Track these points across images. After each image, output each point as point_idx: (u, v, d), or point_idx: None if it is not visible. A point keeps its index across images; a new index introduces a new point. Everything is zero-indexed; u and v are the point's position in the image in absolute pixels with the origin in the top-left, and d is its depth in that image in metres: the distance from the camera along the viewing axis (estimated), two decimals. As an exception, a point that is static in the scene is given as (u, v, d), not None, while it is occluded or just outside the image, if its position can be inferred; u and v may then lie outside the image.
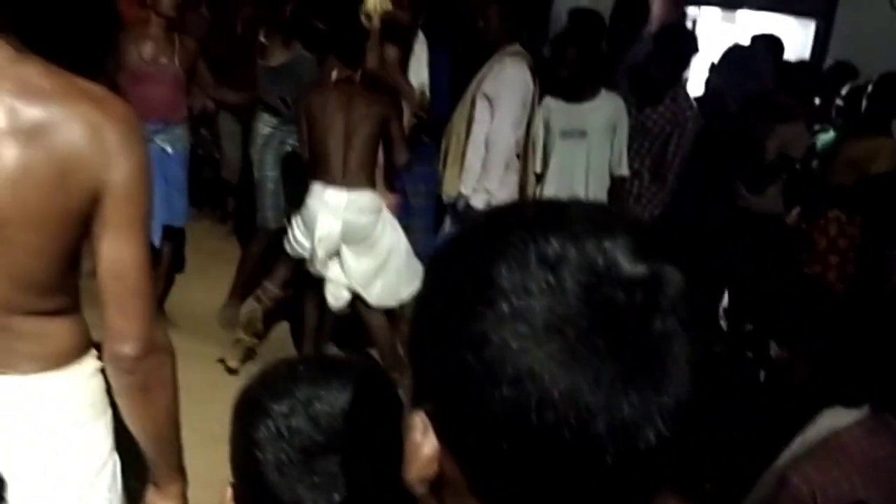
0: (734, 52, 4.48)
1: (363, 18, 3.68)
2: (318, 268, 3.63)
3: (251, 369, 3.99)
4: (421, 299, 0.63)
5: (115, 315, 1.29)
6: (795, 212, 4.08)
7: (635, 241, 0.55)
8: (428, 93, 4.12)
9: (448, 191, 4.02)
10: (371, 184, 3.60)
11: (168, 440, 1.47)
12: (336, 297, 3.65)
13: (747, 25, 5.42)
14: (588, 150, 3.90)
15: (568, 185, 3.95)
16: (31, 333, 1.32)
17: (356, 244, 3.58)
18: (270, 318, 4.09)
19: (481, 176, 3.89)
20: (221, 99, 4.38)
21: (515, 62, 3.87)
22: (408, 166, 3.80)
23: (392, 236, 3.66)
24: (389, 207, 3.75)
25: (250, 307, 3.95)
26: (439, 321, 0.59)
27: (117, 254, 1.27)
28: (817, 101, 4.49)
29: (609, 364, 0.52)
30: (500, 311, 0.54)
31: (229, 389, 3.33)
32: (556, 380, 0.52)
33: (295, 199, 3.90)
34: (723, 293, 4.52)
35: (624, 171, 3.97)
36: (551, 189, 3.97)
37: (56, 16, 1.20)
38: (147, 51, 3.72)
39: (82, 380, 1.40)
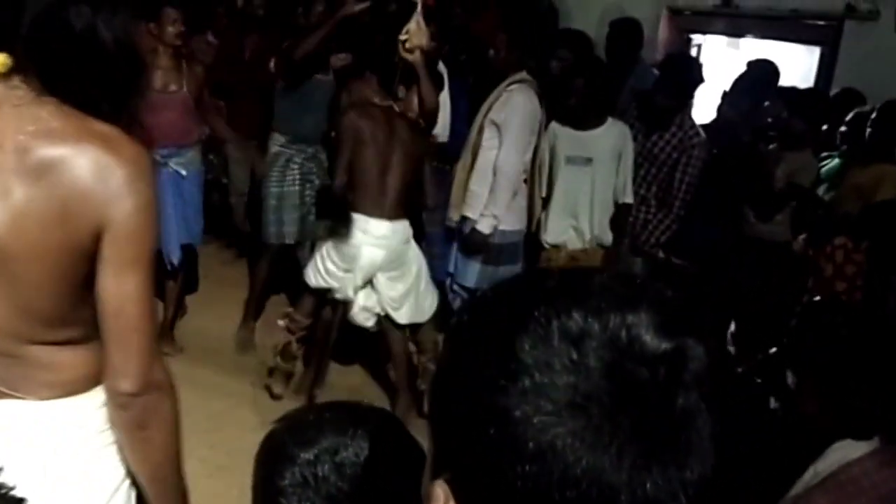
0: (743, 81, 4.50)
1: (402, 50, 3.66)
2: (349, 294, 3.67)
3: (259, 398, 4.00)
4: (443, 367, 0.63)
5: (113, 351, 1.32)
6: (801, 238, 4.07)
7: (658, 316, 0.55)
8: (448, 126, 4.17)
9: (452, 214, 4.06)
10: (407, 214, 3.70)
11: (165, 481, 1.46)
12: (366, 318, 3.74)
13: (752, 53, 5.44)
14: (593, 176, 3.93)
15: (572, 211, 4.00)
16: (44, 362, 1.36)
17: (392, 270, 3.67)
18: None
19: (489, 201, 3.92)
20: (213, 129, 4.41)
21: (523, 89, 3.92)
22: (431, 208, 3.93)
23: (419, 259, 3.78)
24: None
25: (284, 338, 3.99)
26: (462, 393, 0.59)
27: (117, 291, 1.29)
28: (825, 128, 4.50)
29: (632, 441, 0.52)
30: (524, 386, 0.54)
31: (235, 418, 3.37)
32: (579, 457, 0.52)
33: (324, 228, 3.97)
34: (730, 319, 4.51)
35: (628, 198, 3.99)
36: (556, 214, 4.01)
37: (82, 61, 1.20)
38: (156, 80, 3.90)
39: (94, 408, 1.42)
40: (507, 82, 3.93)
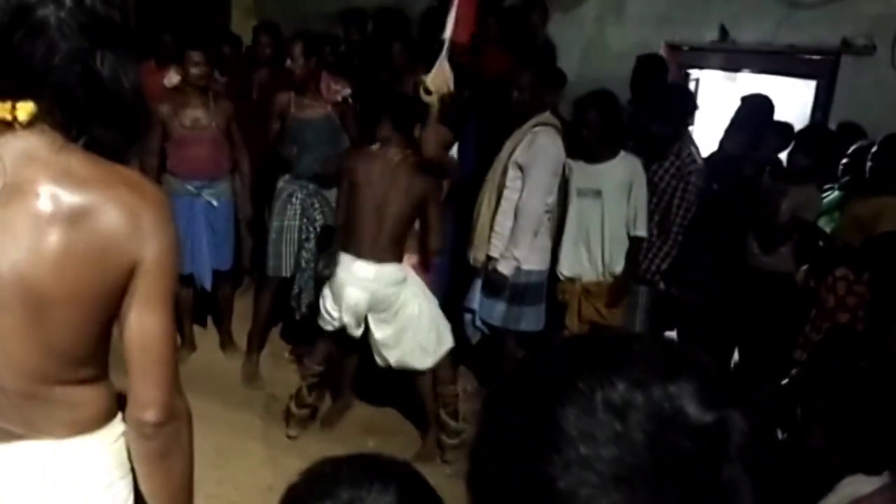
0: (739, 115, 4.56)
1: (423, 92, 3.73)
2: (352, 331, 3.72)
3: (270, 431, 4.00)
4: (483, 433, 0.63)
5: (139, 383, 1.37)
6: (803, 270, 4.11)
7: (700, 386, 0.56)
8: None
9: (477, 256, 4.10)
10: (399, 257, 3.66)
11: None
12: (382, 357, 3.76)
13: (749, 87, 5.51)
14: (602, 209, 3.97)
15: (585, 244, 4.03)
16: (65, 401, 1.39)
17: (380, 312, 3.65)
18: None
19: (510, 243, 3.95)
20: (238, 162, 4.54)
21: (548, 132, 3.97)
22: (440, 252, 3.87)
23: (412, 304, 3.69)
24: (412, 267, 3.80)
25: (296, 385, 4.05)
26: (504, 461, 0.58)
27: (144, 325, 1.35)
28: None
29: None
30: (568, 457, 0.54)
31: (243, 452, 3.37)
32: None
33: (318, 265, 3.99)
34: (733, 350, 4.53)
35: (640, 231, 4.01)
36: (569, 246, 4.05)
37: (107, 106, 1.24)
38: (186, 118, 4.23)
39: (109, 442, 1.46)
40: (531, 123, 3.98)
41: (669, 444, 0.53)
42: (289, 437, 3.96)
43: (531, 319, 4.15)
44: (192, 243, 4.38)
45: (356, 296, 3.60)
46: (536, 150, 3.91)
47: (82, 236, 1.25)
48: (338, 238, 3.76)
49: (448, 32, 3.82)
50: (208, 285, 4.52)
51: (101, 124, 1.31)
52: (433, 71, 3.76)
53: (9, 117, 1.24)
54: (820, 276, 3.90)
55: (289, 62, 4.27)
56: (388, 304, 3.64)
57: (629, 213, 3.99)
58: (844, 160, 4.22)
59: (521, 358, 0.64)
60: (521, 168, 3.94)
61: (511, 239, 3.94)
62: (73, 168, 1.26)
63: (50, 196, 1.24)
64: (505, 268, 3.96)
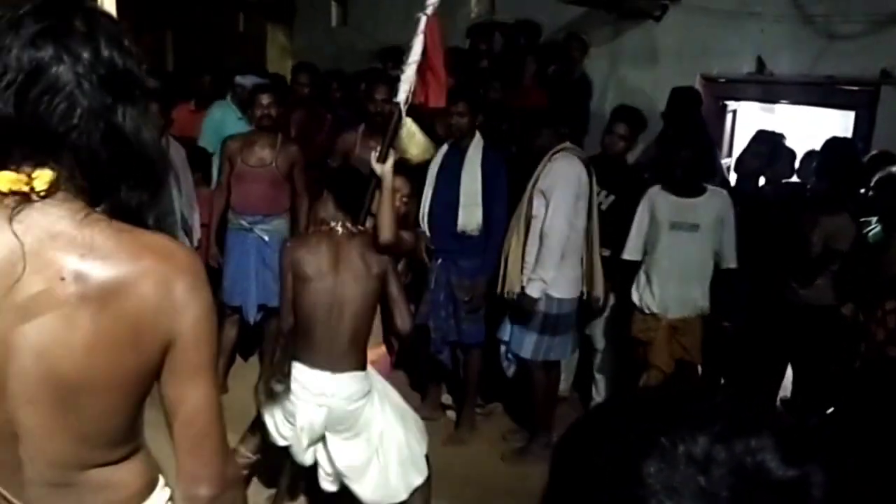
0: (749, 150, 4.59)
1: (374, 162, 3.22)
2: (301, 458, 3.10)
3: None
4: (556, 487, 0.63)
5: (187, 458, 1.29)
6: (850, 304, 4.05)
7: (781, 441, 0.56)
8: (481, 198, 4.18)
9: (512, 288, 4.08)
10: (362, 363, 3.07)
11: None
12: (331, 483, 3.14)
13: (787, 118, 5.49)
14: (697, 243, 3.95)
15: (679, 278, 3.98)
16: (101, 484, 1.31)
17: (344, 432, 3.03)
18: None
19: (537, 265, 3.97)
20: (297, 205, 4.68)
21: (566, 157, 4.02)
22: (409, 333, 3.27)
23: (383, 418, 3.08)
24: (376, 367, 3.26)
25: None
26: None
27: (188, 400, 1.27)
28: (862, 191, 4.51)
29: None
30: None
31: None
32: None
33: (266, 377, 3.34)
34: (780, 382, 4.46)
35: (732, 263, 3.98)
36: (661, 281, 3.99)
37: (130, 164, 1.13)
38: (252, 157, 4.48)
39: None
40: (551, 152, 4.03)
41: (753, 500, 0.53)
42: None
43: (559, 350, 4.16)
44: (243, 276, 4.51)
45: (311, 414, 2.97)
46: (557, 173, 3.96)
47: (112, 318, 1.16)
48: (282, 344, 3.19)
49: (403, 96, 3.28)
50: (252, 319, 4.59)
51: (126, 185, 1.22)
52: (401, 136, 3.37)
53: (25, 188, 1.14)
54: (868, 310, 3.84)
55: (370, 105, 4.39)
56: (352, 423, 3.02)
57: (723, 247, 3.96)
58: (871, 192, 4.18)
59: (595, 409, 0.63)
60: (544, 195, 3.97)
61: (538, 261, 3.96)
62: (97, 242, 1.16)
63: (75, 277, 1.14)
64: (533, 290, 3.97)
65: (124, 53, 1.19)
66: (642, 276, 4.06)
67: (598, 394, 4.62)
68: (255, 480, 3.61)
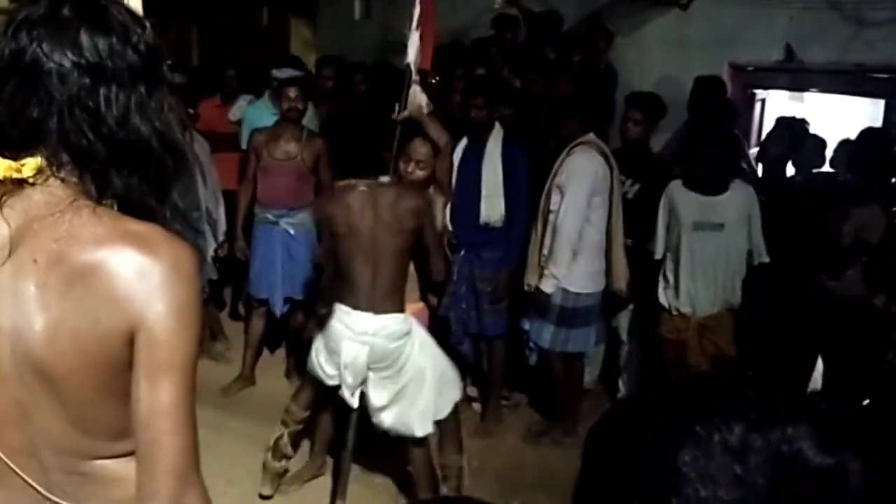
0: (771, 137, 4.53)
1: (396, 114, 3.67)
2: (347, 397, 3.30)
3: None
4: (589, 475, 0.63)
5: (140, 468, 1.17)
6: (882, 296, 3.99)
7: (818, 429, 0.56)
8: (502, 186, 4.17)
9: (530, 281, 4.11)
10: (401, 306, 3.28)
11: None
12: (380, 416, 3.33)
13: (816, 106, 5.42)
14: (724, 241, 3.85)
15: (704, 278, 3.91)
16: (111, 477, 1.27)
17: (384, 370, 3.24)
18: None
19: (549, 261, 3.99)
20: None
21: (584, 150, 3.99)
22: (446, 278, 3.59)
23: (418, 359, 3.29)
24: (416, 316, 3.44)
25: (277, 432, 3.62)
26: (617, 503, 0.59)
27: (147, 400, 1.15)
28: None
29: None
30: (686, 498, 0.54)
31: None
32: None
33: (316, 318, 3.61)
34: (810, 375, 4.40)
35: (765, 258, 3.89)
36: (687, 280, 3.91)
37: (117, 152, 1.10)
38: (278, 150, 4.49)
39: None
40: (570, 146, 4.00)
41: (790, 488, 0.53)
42: (261, 496, 3.61)
43: (579, 341, 4.15)
44: (269, 269, 4.55)
45: (356, 351, 3.19)
46: (573, 169, 3.94)
47: (76, 303, 1.13)
48: (325, 285, 3.42)
49: (412, 58, 3.81)
50: (278, 311, 4.63)
51: (119, 173, 1.20)
52: (408, 96, 3.73)
53: (17, 175, 1.16)
54: (900, 301, 3.79)
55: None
56: (392, 361, 3.23)
57: (753, 243, 3.87)
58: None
59: (629, 398, 0.63)
60: (560, 189, 3.96)
61: (550, 257, 3.97)
62: (74, 228, 1.14)
63: (49, 262, 1.13)
64: (546, 286, 3.99)
65: (116, 38, 1.18)
66: (668, 277, 3.99)
67: (625, 386, 4.60)
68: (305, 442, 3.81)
